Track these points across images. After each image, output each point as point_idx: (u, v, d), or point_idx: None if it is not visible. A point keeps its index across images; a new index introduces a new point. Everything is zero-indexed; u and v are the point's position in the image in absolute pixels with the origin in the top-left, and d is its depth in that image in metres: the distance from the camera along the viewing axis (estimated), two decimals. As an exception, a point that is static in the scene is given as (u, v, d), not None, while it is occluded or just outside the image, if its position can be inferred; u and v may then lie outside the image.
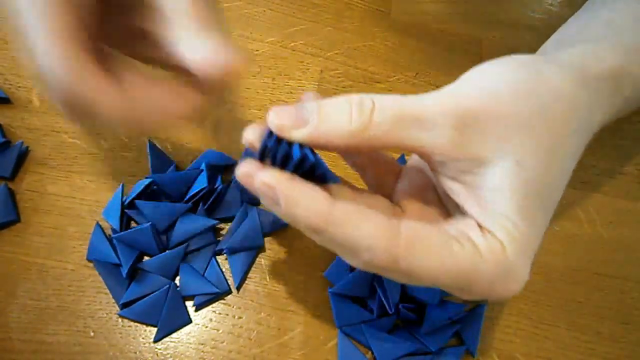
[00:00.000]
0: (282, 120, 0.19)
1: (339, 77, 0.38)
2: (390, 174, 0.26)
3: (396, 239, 0.18)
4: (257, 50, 0.38)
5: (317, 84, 0.37)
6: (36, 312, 0.28)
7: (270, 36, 0.39)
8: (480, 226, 0.20)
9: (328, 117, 0.19)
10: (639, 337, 0.31)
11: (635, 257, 0.33)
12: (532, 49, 0.41)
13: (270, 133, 0.20)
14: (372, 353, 0.28)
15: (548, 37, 0.42)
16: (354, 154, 0.25)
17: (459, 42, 0.41)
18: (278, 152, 0.19)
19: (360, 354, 0.28)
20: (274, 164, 0.19)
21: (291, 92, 0.37)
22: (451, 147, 0.20)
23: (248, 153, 0.21)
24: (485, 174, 0.20)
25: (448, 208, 0.24)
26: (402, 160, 0.35)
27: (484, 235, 0.20)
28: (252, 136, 0.21)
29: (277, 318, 0.29)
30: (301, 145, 0.19)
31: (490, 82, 0.21)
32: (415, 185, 0.25)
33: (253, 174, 0.19)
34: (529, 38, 0.42)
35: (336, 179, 0.21)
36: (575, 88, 0.22)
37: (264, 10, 0.40)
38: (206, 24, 0.19)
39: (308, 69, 0.38)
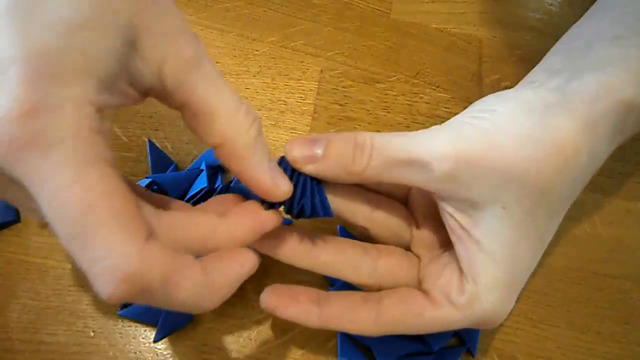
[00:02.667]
0: (295, 154, 0.22)
1: (339, 77, 0.38)
2: (400, 192, 0.27)
3: (375, 326, 0.23)
4: (257, 50, 0.38)
5: (317, 84, 0.37)
6: (36, 312, 0.28)
7: (270, 36, 0.39)
8: (461, 274, 0.23)
9: (332, 157, 0.22)
10: (639, 337, 0.31)
11: (635, 257, 0.33)
12: (532, 49, 0.41)
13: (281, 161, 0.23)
14: (372, 353, 0.28)
15: (548, 37, 0.42)
16: None
17: (459, 42, 0.41)
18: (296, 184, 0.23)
19: (360, 354, 0.28)
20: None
21: (291, 92, 0.37)
22: (443, 188, 0.22)
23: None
24: (476, 217, 0.22)
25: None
26: None
27: (462, 291, 0.22)
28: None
29: (277, 318, 0.29)
30: (311, 179, 0.23)
31: (494, 127, 0.21)
32: (425, 207, 0.26)
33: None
34: (529, 38, 0.42)
35: (330, 214, 0.23)
36: (582, 137, 0.22)
37: (264, 10, 0.40)
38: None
39: (308, 69, 0.38)
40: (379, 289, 0.25)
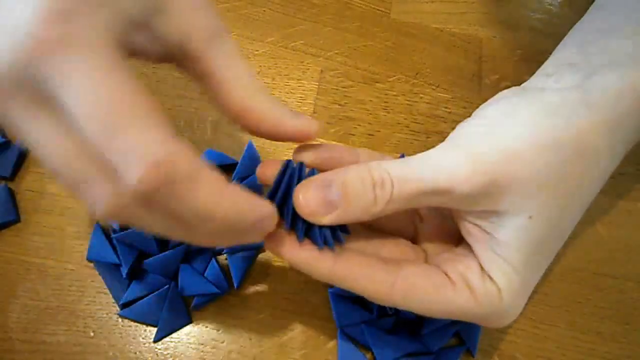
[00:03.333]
0: (311, 207, 0.20)
1: (339, 77, 0.38)
2: (409, 216, 0.26)
3: (391, 290, 0.21)
4: (257, 50, 0.38)
5: (317, 84, 0.37)
6: (36, 312, 0.28)
7: (270, 36, 0.39)
8: (482, 268, 0.22)
9: (352, 202, 0.20)
10: (639, 337, 0.31)
11: (635, 257, 0.33)
12: (532, 49, 0.41)
13: (284, 170, 0.21)
14: (372, 353, 0.28)
15: (548, 37, 0.42)
16: None
17: (458, 42, 0.41)
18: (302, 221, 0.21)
19: (360, 354, 0.28)
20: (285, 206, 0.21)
21: (291, 92, 0.37)
22: (467, 206, 0.21)
23: (250, 147, 0.23)
24: (498, 224, 0.21)
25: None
26: None
27: (483, 280, 0.21)
28: (265, 173, 0.23)
29: (277, 318, 0.29)
30: None
31: (512, 141, 0.20)
32: (438, 227, 0.26)
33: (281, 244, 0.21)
34: (529, 38, 0.42)
35: (347, 232, 0.23)
36: (603, 139, 0.21)
37: (264, 10, 0.40)
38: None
39: (308, 69, 0.38)
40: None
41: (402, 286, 0.21)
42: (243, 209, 0.17)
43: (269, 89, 0.37)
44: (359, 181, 0.20)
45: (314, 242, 0.21)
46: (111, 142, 0.15)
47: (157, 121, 0.16)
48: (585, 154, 0.21)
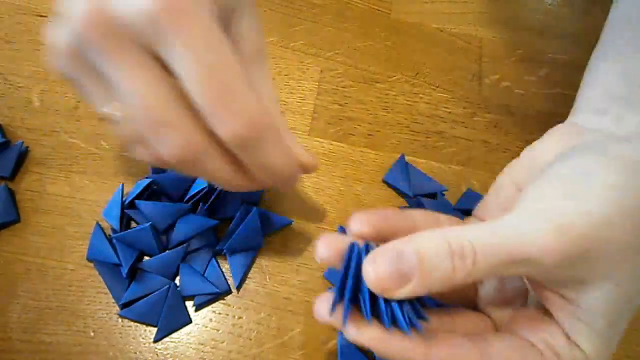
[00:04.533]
0: (383, 282, 0.18)
1: (339, 77, 0.38)
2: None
3: None
4: (257, 50, 0.38)
5: (317, 84, 0.37)
6: (36, 312, 0.28)
7: (270, 36, 0.39)
8: (566, 335, 0.21)
9: (430, 273, 0.18)
10: (639, 337, 0.31)
11: (635, 257, 0.33)
12: (532, 49, 0.41)
13: (350, 255, 0.20)
14: (372, 353, 0.28)
15: (548, 37, 0.42)
16: None
17: (459, 42, 0.41)
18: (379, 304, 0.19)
19: (360, 354, 0.28)
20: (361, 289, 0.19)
21: (291, 92, 0.37)
22: (554, 276, 0.20)
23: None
24: (584, 292, 0.20)
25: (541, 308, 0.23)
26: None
27: (570, 348, 0.20)
28: (326, 253, 0.21)
29: (277, 318, 0.29)
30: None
31: (598, 206, 0.19)
32: (500, 289, 0.24)
33: (356, 329, 0.20)
34: (529, 38, 0.42)
35: (427, 318, 0.21)
36: None
37: (264, 10, 0.40)
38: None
39: (308, 69, 0.38)
40: None
41: None
42: (294, 166, 0.23)
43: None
44: (437, 253, 0.18)
45: (400, 325, 0.19)
46: (215, 102, 0.19)
47: (248, 89, 0.19)
48: None
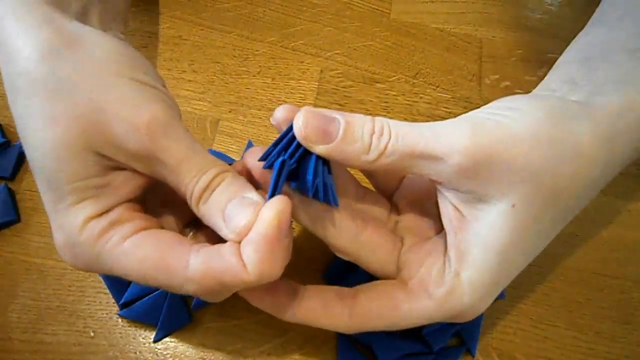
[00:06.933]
0: (308, 131, 0.20)
1: (339, 77, 0.38)
2: (394, 178, 0.27)
3: (350, 321, 0.23)
4: (257, 50, 0.38)
5: (317, 84, 0.37)
6: (36, 312, 0.28)
7: (270, 36, 0.39)
8: (446, 266, 0.22)
9: (348, 141, 0.20)
10: (639, 337, 0.31)
11: (635, 257, 0.33)
12: (532, 49, 0.41)
13: (291, 129, 0.21)
14: (372, 353, 0.28)
15: (548, 37, 0.42)
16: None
17: (458, 42, 0.41)
18: (297, 159, 0.21)
19: (360, 354, 0.28)
20: (284, 157, 0.21)
21: (291, 92, 0.37)
22: (456, 181, 0.21)
23: (249, 146, 0.23)
24: (480, 210, 0.21)
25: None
26: None
27: (443, 282, 0.22)
28: (280, 116, 0.22)
29: (277, 318, 0.29)
30: (318, 157, 0.21)
31: (516, 124, 0.21)
32: (415, 194, 0.26)
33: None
34: (529, 38, 0.42)
35: (337, 203, 0.22)
36: (599, 149, 0.22)
37: (264, 10, 0.40)
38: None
39: (308, 69, 0.38)
40: (356, 261, 0.24)
41: (359, 315, 0.23)
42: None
43: (269, 89, 0.37)
44: (360, 124, 0.21)
45: (303, 186, 0.21)
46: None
47: (174, 265, 0.20)
48: (580, 160, 0.21)
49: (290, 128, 0.21)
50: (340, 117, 0.21)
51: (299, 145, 0.21)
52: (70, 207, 0.20)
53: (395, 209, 0.27)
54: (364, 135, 0.20)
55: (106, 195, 0.21)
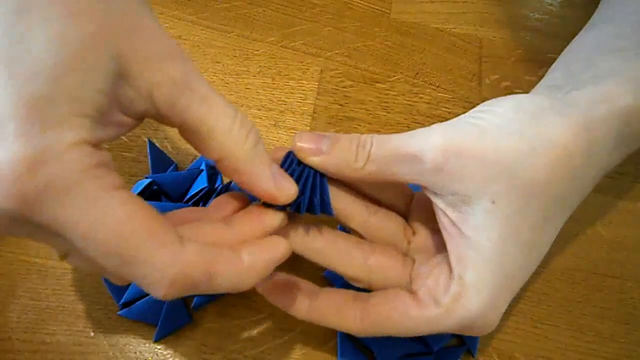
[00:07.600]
0: (303, 144, 0.23)
1: (339, 77, 0.38)
2: (398, 193, 0.27)
3: (361, 324, 0.23)
4: (257, 50, 0.38)
5: (317, 84, 0.37)
6: (36, 312, 0.28)
7: (270, 36, 0.39)
8: (450, 274, 0.23)
9: (336, 152, 0.23)
10: (639, 337, 0.31)
11: (635, 257, 0.33)
12: (532, 49, 0.41)
13: (289, 154, 0.24)
14: (372, 353, 0.28)
15: (548, 37, 0.42)
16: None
17: (458, 42, 0.41)
18: (299, 175, 0.24)
19: (360, 354, 0.28)
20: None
21: (291, 92, 0.37)
22: (434, 180, 0.22)
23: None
24: (466, 211, 0.22)
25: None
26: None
27: (449, 289, 0.22)
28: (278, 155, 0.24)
29: (277, 318, 0.29)
30: (316, 170, 0.24)
31: (486, 123, 0.22)
32: (425, 213, 0.26)
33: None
34: (529, 38, 0.42)
35: (331, 213, 0.24)
36: (574, 138, 0.22)
37: (264, 10, 0.40)
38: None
39: (308, 69, 0.38)
40: (371, 286, 0.25)
41: (370, 319, 0.23)
42: (264, 265, 0.20)
43: (269, 89, 0.37)
44: (347, 139, 0.23)
45: (302, 200, 0.23)
46: (130, 272, 0.17)
47: (163, 234, 0.17)
48: (554, 150, 0.22)
49: (289, 154, 0.24)
50: (330, 135, 0.24)
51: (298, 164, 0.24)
52: (63, 117, 0.16)
53: (410, 229, 0.27)
54: (350, 147, 0.23)
55: (105, 125, 0.18)
